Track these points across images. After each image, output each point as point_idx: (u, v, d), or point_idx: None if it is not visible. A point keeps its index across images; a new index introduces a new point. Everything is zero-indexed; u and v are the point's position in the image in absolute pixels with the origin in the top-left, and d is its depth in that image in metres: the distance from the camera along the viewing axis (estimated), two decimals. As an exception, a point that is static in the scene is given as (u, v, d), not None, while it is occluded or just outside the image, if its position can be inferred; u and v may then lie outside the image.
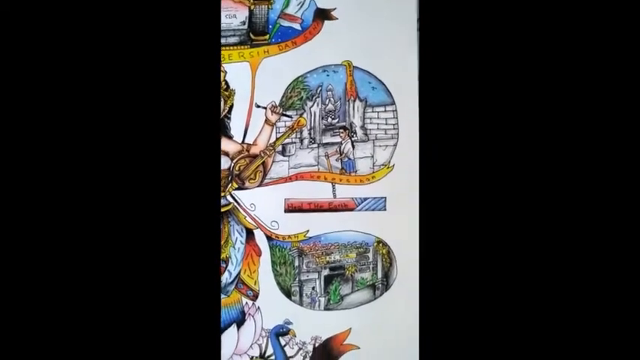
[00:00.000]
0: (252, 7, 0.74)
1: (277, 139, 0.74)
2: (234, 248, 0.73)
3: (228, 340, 0.72)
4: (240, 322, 0.73)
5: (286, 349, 0.73)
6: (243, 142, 0.74)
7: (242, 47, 0.74)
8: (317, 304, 0.73)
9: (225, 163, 0.73)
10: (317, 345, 0.73)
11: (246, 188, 0.74)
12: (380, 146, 0.74)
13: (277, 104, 0.74)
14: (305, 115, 0.74)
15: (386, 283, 0.74)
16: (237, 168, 0.74)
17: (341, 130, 0.74)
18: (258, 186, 0.74)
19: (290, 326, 0.73)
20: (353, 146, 0.74)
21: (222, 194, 0.73)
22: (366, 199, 0.73)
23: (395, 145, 0.74)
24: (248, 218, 0.74)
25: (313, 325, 0.73)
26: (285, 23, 0.74)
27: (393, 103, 0.74)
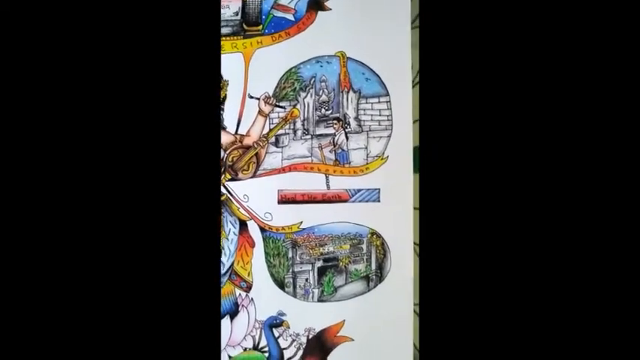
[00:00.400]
0: (246, -3, 0.74)
1: (270, 130, 0.74)
2: (227, 239, 0.73)
3: (222, 331, 0.72)
4: (233, 313, 0.73)
5: (280, 340, 0.73)
6: (236, 133, 0.74)
7: (235, 38, 0.74)
8: (311, 295, 0.73)
9: (218, 154, 0.73)
10: (311, 337, 0.73)
11: (239, 179, 0.74)
12: (374, 137, 0.74)
13: (270, 95, 0.74)
14: (298, 106, 0.74)
15: (380, 274, 0.73)
16: (230, 159, 0.73)
17: (335, 122, 0.74)
18: (251, 177, 0.74)
19: (284, 318, 0.73)
20: (347, 137, 0.74)
21: (216, 185, 0.73)
22: (359, 190, 0.73)
23: (389, 136, 0.73)
24: (241, 209, 0.73)
25: (307, 316, 0.73)
26: (279, 14, 0.74)
27: (387, 94, 0.74)
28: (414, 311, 0.72)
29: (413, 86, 0.73)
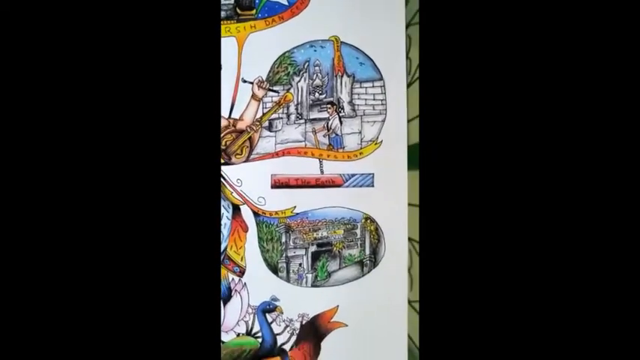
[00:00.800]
0: (239, -19, 0.74)
1: (264, 114, 0.73)
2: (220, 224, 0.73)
3: (215, 316, 0.72)
4: (226, 298, 0.72)
5: (273, 326, 0.72)
6: (229, 117, 0.73)
7: (228, 22, 0.73)
8: (304, 280, 0.73)
9: (211, 138, 0.73)
10: (304, 322, 0.72)
11: (232, 164, 0.73)
12: (368, 122, 0.73)
13: (264, 79, 0.73)
14: (292, 91, 0.74)
15: (374, 259, 0.73)
16: (223, 143, 0.73)
17: (328, 106, 0.74)
18: (244, 161, 0.73)
19: (277, 303, 0.72)
20: (341, 122, 0.73)
21: (209, 170, 0.73)
22: (353, 175, 0.73)
23: (383, 121, 0.73)
24: (234, 194, 0.73)
25: (300, 302, 0.73)
26: (272, -2, 0.74)
27: (380, 78, 0.73)
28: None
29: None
